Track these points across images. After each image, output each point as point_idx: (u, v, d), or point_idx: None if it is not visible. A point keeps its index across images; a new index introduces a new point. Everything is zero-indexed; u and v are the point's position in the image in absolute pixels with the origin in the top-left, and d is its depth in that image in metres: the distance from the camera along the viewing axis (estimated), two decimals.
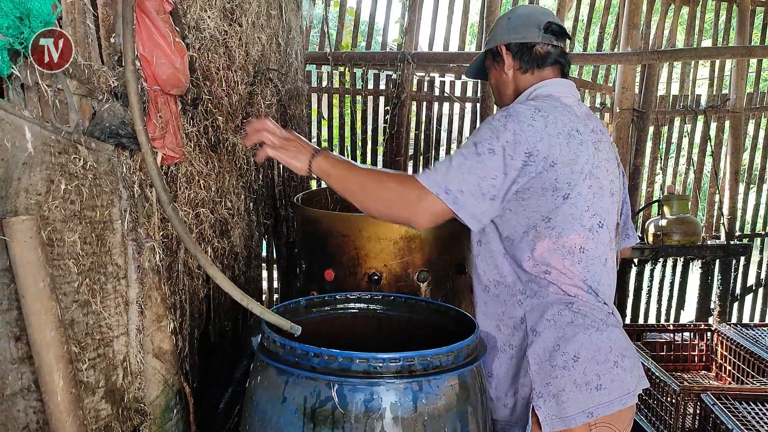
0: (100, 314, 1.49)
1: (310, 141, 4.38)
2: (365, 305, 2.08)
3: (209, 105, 2.35)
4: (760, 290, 5.25)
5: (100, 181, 1.54)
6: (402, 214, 1.71)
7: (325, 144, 4.75)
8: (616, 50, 4.85)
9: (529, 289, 1.80)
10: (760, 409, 3.36)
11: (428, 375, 1.57)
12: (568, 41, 1.98)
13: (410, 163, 4.79)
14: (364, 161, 4.77)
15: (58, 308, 1.28)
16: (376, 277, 2.35)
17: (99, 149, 1.56)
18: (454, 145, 4.87)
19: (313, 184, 4.40)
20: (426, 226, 1.70)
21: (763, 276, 5.24)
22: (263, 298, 4.40)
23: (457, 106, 4.81)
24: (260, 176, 3.10)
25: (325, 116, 4.70)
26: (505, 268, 1.83)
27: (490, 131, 1.67)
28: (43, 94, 1.40)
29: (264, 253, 4.23)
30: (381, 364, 1.54)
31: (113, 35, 1.70)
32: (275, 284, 4.58)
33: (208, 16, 2.28)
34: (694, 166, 5.12)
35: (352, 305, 2.07)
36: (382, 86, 4.73)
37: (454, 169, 1.65)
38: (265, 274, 4.39)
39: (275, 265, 4.40)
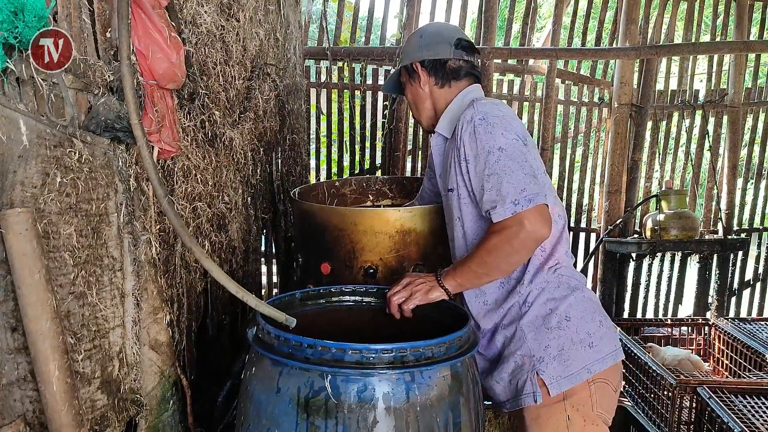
0: (96, 306, 1.51)
1: (309, 137, 4.40)
2: (360, 298, 2.09)
3: (206, 99, 2.37)
4: (758, 285, 5.26)
5: (95, 175, 1.56)
6: (529, 248, 1.79)
7: (324, 139, 4.77)
8: (614, 45, 4.85)
9: None
10: (756, 403, 3.38)
11: (420, 366, 1.58)
12: (477, 56, 2.15)
13: (409, 158, 4.80)
14: (363, 157, 4.78)
15: (53, 300, 1.30)
16: (371, 271, 2.36)
17: (95, 143, 1.57)
18: None
19: (312, 179, 4.42)
20: (546, 233, 1.77)
21: (760, 270, 5.25)
22: (262, 293, 4.42)
23: None
24: (258, 171, 3.12)
25: (324, 111, 4.72)
26: None
27: (484, 137, 1.81)
28: (38, 88, 1.41)
29: (263, 248, 4.25)
30: (374, 355, 1.56)
31: (109, 30, 1.72)
32: (274, 279, 4.59)
33: (205, 11, 2.29)
34: (692, 161, 5.13)
35: (347, 298, 2.09)
36: (381, 81, 4.74)
37: (501, 187, 1.75)
38: (264, 268, 4.40)
39: (274, 260, 4.41)
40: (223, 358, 2.86)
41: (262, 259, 4.18)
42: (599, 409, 1.85)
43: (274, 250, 4.29)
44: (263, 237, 3.63)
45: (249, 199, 3.01)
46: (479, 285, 1.92)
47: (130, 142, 1.68)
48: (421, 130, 4.79)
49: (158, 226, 1.96)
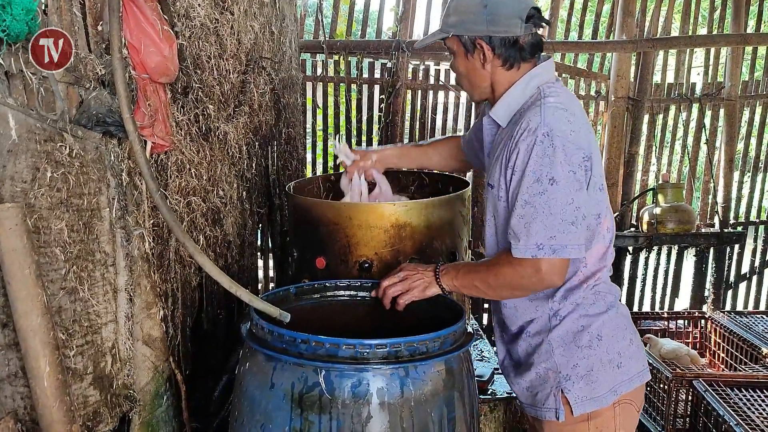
0: (88, 301, 1.50)
1: (305, 130, 4.39)
2: (355, 293, 2.08)
3: (200, 93, 2.35)
4: (754, 278, 5.27)
5: (87, 169, 1.55)
6: (534, 289, 1.75)
7: (320, 133, 4.75)
8: (611, 38, 4.84)
9: None
10: (752, 396, 3.39)
11: (415, 361, 1.58)
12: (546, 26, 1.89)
13: None
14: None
15: (44, 295, 1.29)
16: (367, 265, 2.35)
17: (86, 137, 1.56)
18: (449, 132, 4.86)
19: (308, 173, 4.40)
20: (559, 283, 1.71)
21: (757, 264, 5.26)
22: (259, 287, 4.42)
23: (452, 94, 4.81)
24: (253, 165, 3.10)
25: (320, 105, 4.70)
26: None
27: (540, 159, 1.63)
28: (28, 82, 1.40)
29: (259, 243, 4.24)
30: (368, 350, 1.56)
31: (100, 23, 1.70)
32: (271, 273, 4.59)
33: (198, 4, 2.27)
34: (688, 155, 5.12)
35: (341, 293, 2.08)
36: (377, 75, 4.72)
37: (533, 223, 1.63)
38: (260, 263, 4.39)
39: (270, 255, 4.40)
40: (219, 353, 2.85)
41: (259, 254, 4.17)
42: (621, 431, 1.80)
43: (270, 245, 4.28)
44: (259, 231, 3.61)
45: (244, 193, 3.00)
46: (472, 295, 1.86)
47: (122, 136, 1.67)
48: (418, 123, 4.78)
49: (152, 221, 1.95)
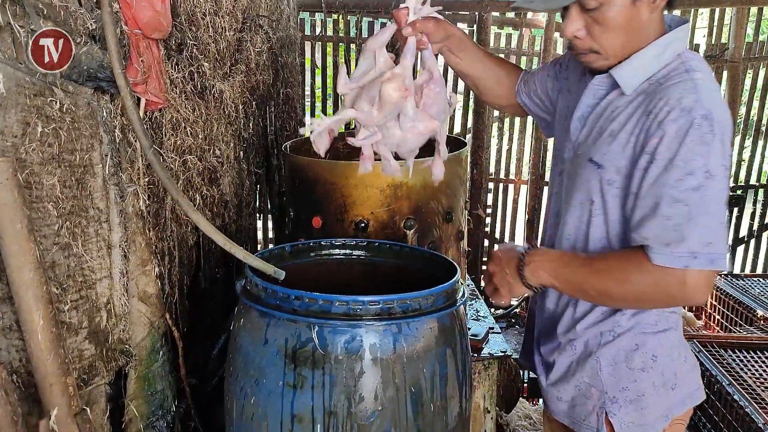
0: (82, 257, 1.51)
1: (303, 91, 4.34)
2: (350, 251, 2.09)
3: (195, 51, 2.32)
4: (752, 241, 5.28)
5: (78, 125, 1.54)
6: (670, 305, 1.52)
7: (318, 94, 4.71)
8: None
9: None
10: (745, 357, 3.43)
11: (407, 317, 1.59)
12: None
13: None
14: None
15: (36, 250, 1.29)
16: (363, 225, 2.35)
17: (77, 92, 1.55)
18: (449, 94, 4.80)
19: (306, 134, 4.37)
20: (703, 300, 1.55)
21: (755, 227, 5.26)
22: (258, 248, 4.43)
23: None
24: (250, 125, 3.09)
25: (319, 65, 4.65)
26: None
27: (696, 148, 1.35)
28: (16, 36, 1.38)
29: (257, 204, 4.24)
30: (360, 307, 1.57)
31: None
32: (270, 234, 4.60)
33: None
34: None
35: (337, 251, 2.09)
36: None
37: (687, 225, 1.35)
38: (259, 224, 4.40)
39: (269, 216, 4.41)
40: (217, 313, 2.88)
41: (258, 216, 4.18)
42: None
43: (269, 206, 4.29)
44: (257, 192, 3.61)
45: (241, 153, 2.99)
46: (577, 298, 1.59)
47: (113, 92, 1.66)
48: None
49: (146, 179, 1.94)
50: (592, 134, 1.53)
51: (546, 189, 4.83)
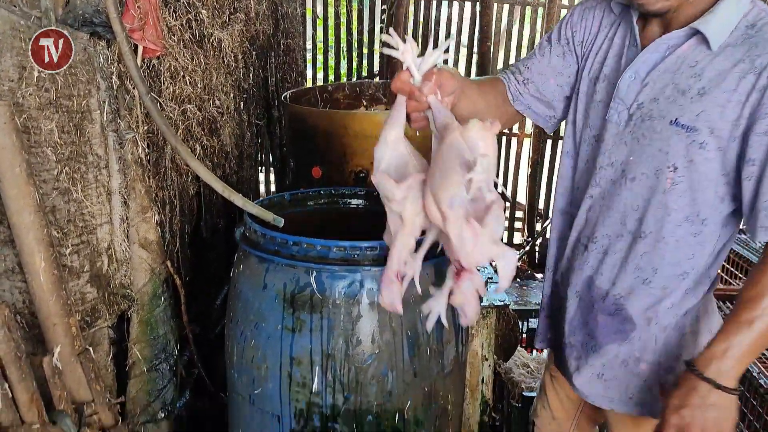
0: (82, 202, 1.52)
1: (304, 42, 4.29)
2: (349, 200, 2.10)
3: None
4: None
5: (75, 70, 1.53)
6: None
7: (320, 45, 4.66)
8: None
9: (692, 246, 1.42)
10: None
11: None
12: None
13: None
14: (360, 64, 4.67)
15: (36, 193, 1.31)
16: (362, 175, 2.36)
17: (73, 37, 1.54)
18: (452, 45, 4.75)
19: (308, 83, 4.35)
20: None
21: None
22: None
23: (456, 5, 4.68)
24: (250, 75, 3.06)
25: (320, 15, 4.59)
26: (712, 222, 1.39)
27: None
28: None
29: (260, 157, 4.24)
30: (358, 252, 1.58)
31: None
32: (272, 188, 4.61)
33: None
34: None
35: (336, 201, 2.10)
36: None
37: None
38: (261, 177, 4.41)
39: (271, 169, 4.42)
40: (220, 263, 2.91)
41: (260, 169, 4.18)
42: None
43: (271, 160, 4.29)
44: (258, 145, 3.61)
45: (241, 104, 2.98)
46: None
47: (110, 37, 1.65)
48: (421, 36, 4.66)
49: (146, 127, 1.94)
50: (666, 93, 1.35)
51: (550, 143, 4.83)
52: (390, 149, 1.26)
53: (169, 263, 1.95)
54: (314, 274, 1.58)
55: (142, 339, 1.77)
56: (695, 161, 1.33)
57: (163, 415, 1.84)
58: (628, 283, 1.47)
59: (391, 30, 1.23)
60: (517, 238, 4.93)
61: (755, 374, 2.92)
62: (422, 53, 1.24)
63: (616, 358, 1.51)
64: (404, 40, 1.22)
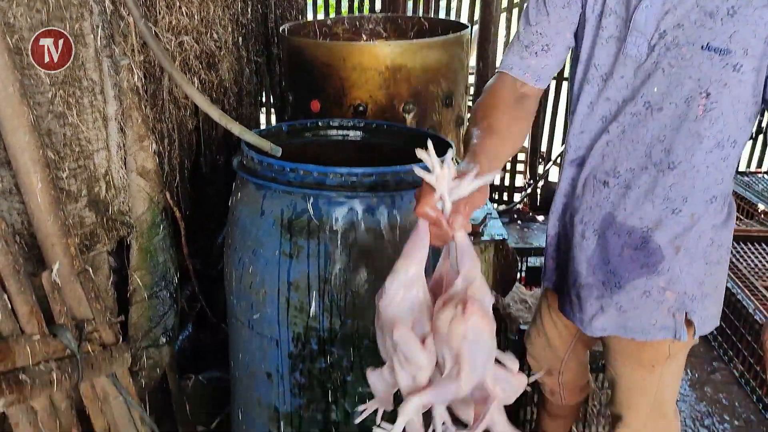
0: (78, 127, 1.52)
1: None
2: (347, 132, 2.09)
3: None
4: (760, 137, 5.22)
5: None
6: None
7: None
8: None
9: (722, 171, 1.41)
10: (743, 248, 3.48)
11: (401, 190, 1.61)
12: None
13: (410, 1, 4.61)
14: (361, 2, 4.57)
15: (30, 114, 1.30)
16: (361, 108, 2.35)
17: None
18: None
19: (309, 16, 4.27)
20: None
21: (764, 124, 5.19)
22: None
23: None
24: (249, 10, 3.01)
25: None
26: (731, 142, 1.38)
27: None
28: None
29: (261, 98, 4.20)
30: (355, 179, 1.59)
31: None
32: None
33: None
34: None
35: (333, 132, 2.09)
36: None
37: None
38: (263, 118, 4.38)
39: (272, 109, 4.38)
40: (219, 200, 2.91)
41: (260, 109, 4.15)
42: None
43: (271, 99, 4.25)
44: (259, 84, 3.57)
45: (240, 39, 2.93)
46: None
47: None
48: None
49: (142, 57, 1.93)
50: (691, 18, 1.29)
51: (553, 84, 4.76)
52: (404, 289, 1.06)
53: (168, 195, 1.96)
54: (311, 200, 1.59)
55: (142, 266, 1.79)
56: (729, 84, 1.29)
57: (164, 340, 1.88)
58: (656, 215, 1.44)
59: (429, 143, 1.04)
60: (519, 181, 4.92)
61: (751, 311, 2.96)
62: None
63: (640, 291, 1.50)
64: (442, 162, 1.02)
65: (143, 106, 1.82)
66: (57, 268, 1.23)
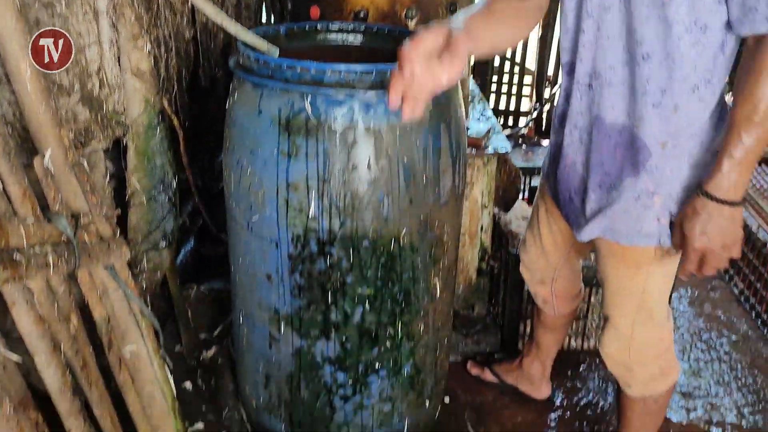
0: (68, 19, 1.47)
1: None
2: (347, 36, 2.03)
3: None
4: None
5: None
6: None
7: None
8: None
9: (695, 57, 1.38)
10: None
11: None
12: None
13: None
14: None
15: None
16: (362, 15, 2.28)
17: None
18: None
19: None
20: None
21: None
22: None
23: None
24: None
25: None
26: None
27: None
28: None
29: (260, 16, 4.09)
30: (354, 76, 1.55)
31: None
32: None
33: None
34: None
35: (333, 36, 2.03)
36: None
37: None
38: None
39: (272, 20, 4.27)
40: (219, 114, 2.87)
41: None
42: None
43: (272, 17, 4.14)
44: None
45: None
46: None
47: None
48: None
49: None
50: None
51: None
52: None
53: (165, 101, 1.93)
54: (309, 98, 1.56)
55: (140, 169, 1.77)
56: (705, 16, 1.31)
57: (164, 244, 1.88)
58: (639, 110, 1.44)
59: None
60: (525, 105, 4.85)
61: (754, 229, 2.95)
62: None
63: (631, 194, 1.51)
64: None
65: (136, 4, 1.76)
66: (49, 155, 1.21)
